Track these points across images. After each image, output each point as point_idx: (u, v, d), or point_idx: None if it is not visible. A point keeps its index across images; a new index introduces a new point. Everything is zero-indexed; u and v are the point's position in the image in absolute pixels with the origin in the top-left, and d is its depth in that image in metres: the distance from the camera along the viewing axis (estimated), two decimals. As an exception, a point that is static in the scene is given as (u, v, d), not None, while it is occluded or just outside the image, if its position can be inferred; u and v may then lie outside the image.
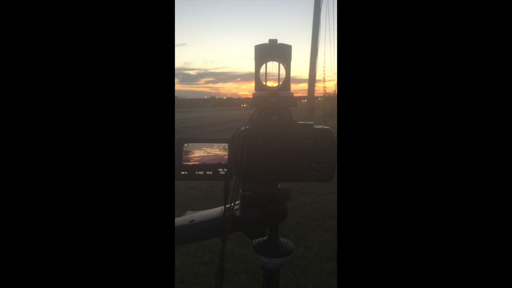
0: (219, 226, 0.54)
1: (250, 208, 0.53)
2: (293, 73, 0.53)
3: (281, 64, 0.52)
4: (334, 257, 1.76)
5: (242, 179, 0.53)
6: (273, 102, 0.52)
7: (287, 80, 0.52)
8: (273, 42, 0.50)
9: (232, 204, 0.54)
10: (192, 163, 0.53)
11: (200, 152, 0.53)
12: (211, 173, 0.53)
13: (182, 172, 0.52)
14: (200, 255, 1.79)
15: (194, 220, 0.56)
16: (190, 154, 0.53)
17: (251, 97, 0.53)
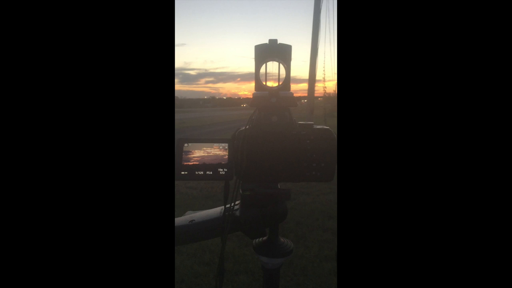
0: (219, 226, 0.54)
1: (250, 208, 0.53)
2: (293, 73, 0.53)
3: (281, 64, 0.52)
4: (334, 257, 1.76)
5: (242, 179, 0.53)
6: (273, 102, 0.52)
7: (287, 80, 0.52)
8: (273, 42, 0.50)
9: (232, 204, 0.54)
10: (192, 163, 0.53)
11: (200, 152, 0.53)
12: (211, 173, 0.53)
13: (182, 172, 0.52)
14: (200, 255, 1.79)
15: (194, 220, 0.56)
16: (190, 154, 0.53)
17: (251, 97, 0.53)
